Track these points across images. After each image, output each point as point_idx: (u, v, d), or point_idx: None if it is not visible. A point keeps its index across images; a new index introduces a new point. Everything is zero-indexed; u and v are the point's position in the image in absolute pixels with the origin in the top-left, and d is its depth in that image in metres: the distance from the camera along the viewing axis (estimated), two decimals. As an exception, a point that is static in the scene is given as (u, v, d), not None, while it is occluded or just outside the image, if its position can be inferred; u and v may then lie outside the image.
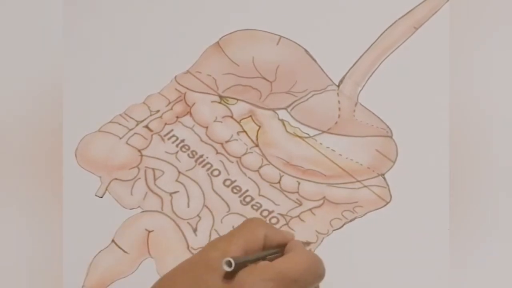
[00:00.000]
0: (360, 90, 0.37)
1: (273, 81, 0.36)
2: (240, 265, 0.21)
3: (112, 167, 0.34)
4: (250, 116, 0.35)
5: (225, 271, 0.21)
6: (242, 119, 0.35)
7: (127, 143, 0.35)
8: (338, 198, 0.32)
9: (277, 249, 0.23)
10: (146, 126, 0.35)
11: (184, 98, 0.36)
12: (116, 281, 0.31)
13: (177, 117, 0.35)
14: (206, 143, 0.34)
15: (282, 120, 0.35)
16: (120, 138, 0.35)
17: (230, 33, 0.39)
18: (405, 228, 0.31)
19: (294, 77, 0.37)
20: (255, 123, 0.35)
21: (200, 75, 0.37)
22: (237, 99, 0.36)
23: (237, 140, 0.34)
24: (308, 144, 0.35)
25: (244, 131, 0.35)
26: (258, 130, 0.35)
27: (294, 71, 0.37)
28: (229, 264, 0.20)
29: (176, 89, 0.37)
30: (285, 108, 0.36)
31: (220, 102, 0.36)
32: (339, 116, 0.35)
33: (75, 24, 0.40)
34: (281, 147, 0.34)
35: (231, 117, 0.35)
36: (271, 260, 0.22)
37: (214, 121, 0.35)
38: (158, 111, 0.36)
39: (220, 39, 0.38)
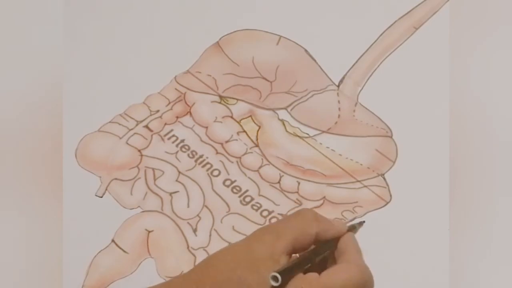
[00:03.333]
0: (360, 90, 0.36)
1: (273, 81, 0.36)
2: (287, 272, 0.20)
3: (112, 167, 0.34)
4: (250, 116, 0.35)
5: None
6: (242, 119, 0.35)
7: (127, 143, 0.34)
8: (338, 198, 0.32)
9: (328, 244, 0.23)
10: (146, 126, 0.35)
11: (184, 98, 0.36)
12: (116, 281, 0.30)
13: (177, 117, 0.35)
14: (206, 143, 0.34)
15: (282, 120, 0.35)
16: (120, 138, 0.35)
17: (230, 33, 0.39)
18: (405, 228, 0.31)
19: (294, 77, 0.37)
20: (255, 123, 0.35)
21: (200, 75, 0.37)
22: (237, 99, 0.36)
23: (237, 140, 0.34)
24: (308, 144, 0.34)
25: (244, 131, 0.35)
26: (258, 130, 0.35)
27: (294, 71, 0.37)
28: (275, 279, 0.20)
29: (176, 89, 0.36)
30: (285, 108, 0.36)
31: (220, 102, 0.36)
32: (339, 116, 0.35)
33: (75, 24, 0.40)
34: (281, 147, 0.34)
35: (231, 117, 0.35)
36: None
37: (214, 121, 0.35)
38: (158, 111, 0.35)
39: (220, 39, 0.38)
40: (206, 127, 0.35)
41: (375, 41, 0.37)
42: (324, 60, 0.37)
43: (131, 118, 0.35)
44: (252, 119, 0.35)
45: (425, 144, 0.34)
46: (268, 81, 0.36)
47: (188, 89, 0.36)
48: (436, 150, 0.33)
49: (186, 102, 0.36)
